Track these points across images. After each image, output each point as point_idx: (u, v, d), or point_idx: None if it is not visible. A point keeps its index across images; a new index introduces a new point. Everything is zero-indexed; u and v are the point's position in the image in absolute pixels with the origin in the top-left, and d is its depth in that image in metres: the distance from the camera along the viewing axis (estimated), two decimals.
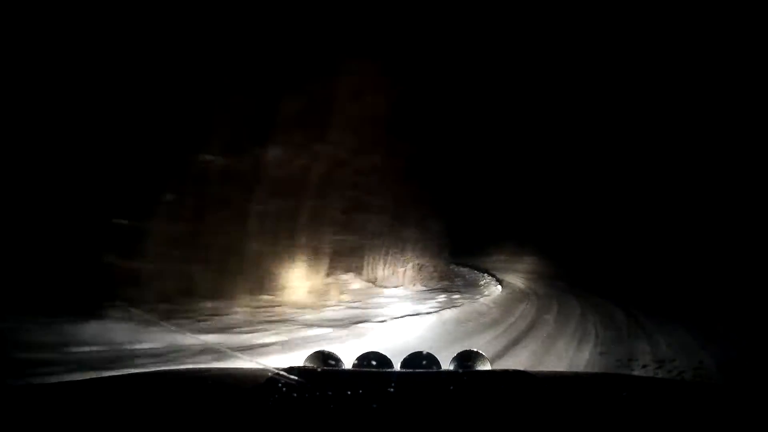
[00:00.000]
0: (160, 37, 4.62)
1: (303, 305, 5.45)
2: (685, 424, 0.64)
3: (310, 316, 5.04)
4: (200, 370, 1.08)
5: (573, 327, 5.25)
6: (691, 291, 7.69)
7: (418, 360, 1.19)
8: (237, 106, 5.24)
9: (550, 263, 11.96)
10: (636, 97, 10.83)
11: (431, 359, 1.19)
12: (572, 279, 9.85)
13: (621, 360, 3.89)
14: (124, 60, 4.54)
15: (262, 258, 5.51)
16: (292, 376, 0.72)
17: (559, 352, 4.11)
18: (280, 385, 0.70)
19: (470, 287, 8.73)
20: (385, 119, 7.22)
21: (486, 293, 7.81)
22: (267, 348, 3.73)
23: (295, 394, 0.68)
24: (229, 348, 3.23)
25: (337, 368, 1.13)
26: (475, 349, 1.27)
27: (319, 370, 1.04)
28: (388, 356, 1.20)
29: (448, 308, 5.89)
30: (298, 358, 1.15)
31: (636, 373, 3.56)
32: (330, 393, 0.71)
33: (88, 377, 0.88)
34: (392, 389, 0.75)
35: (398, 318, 5.12)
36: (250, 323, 4.48)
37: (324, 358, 1.16)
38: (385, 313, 5.49)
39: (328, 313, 5.23)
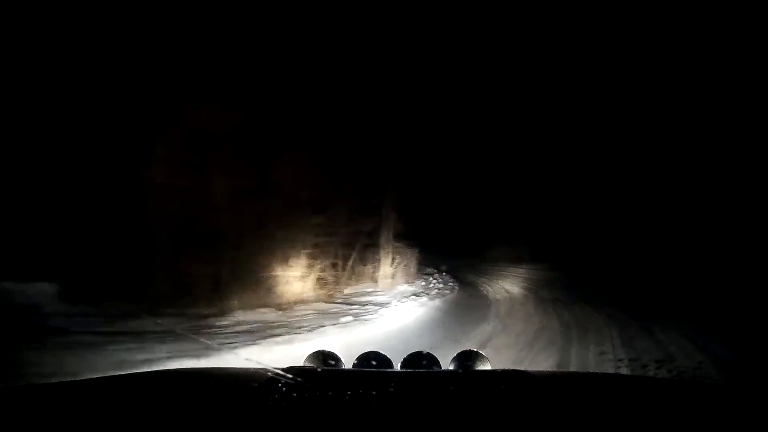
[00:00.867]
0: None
1: None
2: (685, 424, 0.64)
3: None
4: (200, 370, 1.08)
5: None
6: (684, 294, 7.69)
7: (418, 360, 1.20)
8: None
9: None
10: (631, 105, 10.85)
11: (431, 359, 1.20)
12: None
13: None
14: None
15: None
16: (292, 376, 0.72)
17: None
18: (280, 385, 0.70)
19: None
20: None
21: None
22: None
23: (295, 394, 0.68)
24: None
25: (337, 368, 1.13)
26: (475, 349, 1.28)
27: (319, 370, 1.05)
28: (388, 356, 1.20)
29: None
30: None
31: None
32: (330, 393, 0.71)
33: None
34: (392, 389, 0.75)
35: None
36: None
37: (324, 358, 1.16)
38: None
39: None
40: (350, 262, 7.28)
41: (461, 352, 1.25)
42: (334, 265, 6.88)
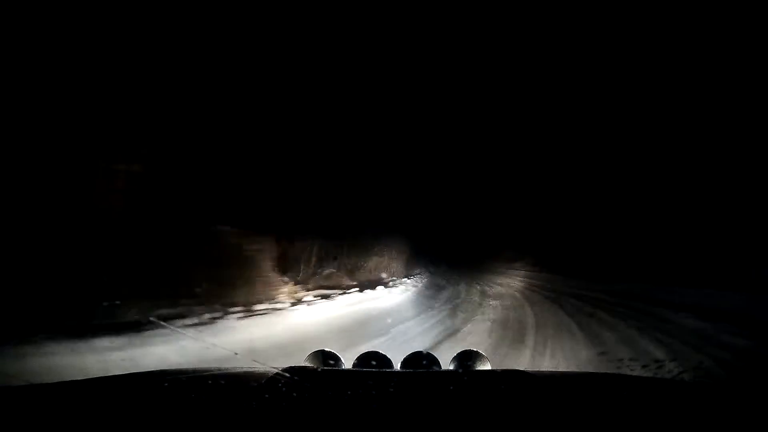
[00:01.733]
0: None
1: None
2: (685, 424, 0.64)
3: None
4: (200, 370, 1.08)
5: None
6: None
7: (418, 360, 1.20)
8: None
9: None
10: (625, 115, 10.85)
11: (431, 359, 1.19)
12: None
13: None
14: None
15: None
16: (293, 376, 0.72)
17: None
18: (280, 385, 0.70)
19: None
20: None
21: None
22: None
23: (295, 394, 0.68)
24: None
25: (337, 368, 1.13)
26: (475, 349, 1.28)
27: (319, 369, 1.05)
28: (388, 356, 1.20)
29: None
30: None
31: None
32: (330, 393, 0.71)
33: None
34: (392, 389, 0.75)
35: None
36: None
37: (324, 357, 1.16)
38: None
39: None
40: None
41: (461, 352, 1.25)
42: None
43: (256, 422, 0.61)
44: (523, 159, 13.97)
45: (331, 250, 7.46)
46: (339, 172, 7.27)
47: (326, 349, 1.20)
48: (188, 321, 4.40)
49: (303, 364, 1.10)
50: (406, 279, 9.94)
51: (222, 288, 5.06)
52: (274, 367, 0.78)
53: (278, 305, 5.53)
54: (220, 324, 4.55)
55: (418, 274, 10.97)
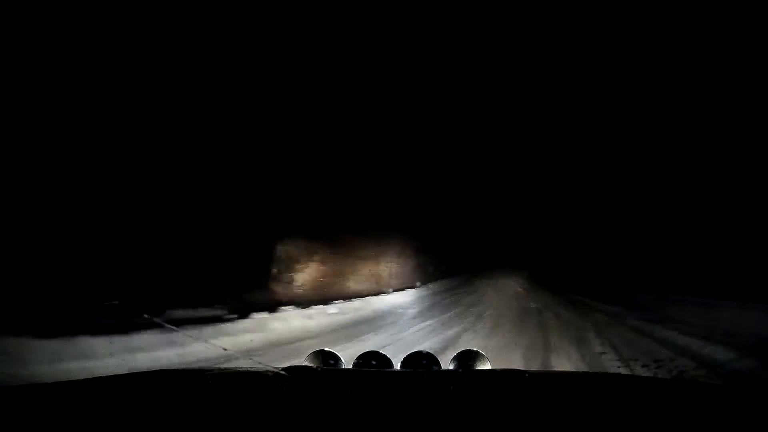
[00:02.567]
0: None
1: None
2: (685, 424, 0.64)
3: None
4: (200, 370, 1.08)
5: None
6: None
7: (418, 360, 1.19)
8: None
9: None
10: (622, 124, 10.85)
11: (431, 359, 1.19)
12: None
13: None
14: None
15: None
16: (293, 376, 0.72)
17: None
18: (280, 384, 0.70)
19: None
20: None
21: None
22: None
23: (295, 394, 0.68)
24: None
25: (337, 368, 1.13)
26: (475, 349, 1.27)
27: (319, 369, 1.04)
28: (388, 356, 1.20)
29: None
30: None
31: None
32: (330, 393, 0.71)
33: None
34: (392, 389, 0.75)
35: None
36: None
37: (324, 357, 1.16)
38: None
39: None
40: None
41: (461, 352, 1.25)
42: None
43: (257, 422, 0.61)
44: (523, 170, 14.01)
45: None
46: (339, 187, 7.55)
47: (326, 349, 1.20)
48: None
49: (303, 364, 1.10)
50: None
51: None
52: (274, 367, 0.78)
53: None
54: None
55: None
